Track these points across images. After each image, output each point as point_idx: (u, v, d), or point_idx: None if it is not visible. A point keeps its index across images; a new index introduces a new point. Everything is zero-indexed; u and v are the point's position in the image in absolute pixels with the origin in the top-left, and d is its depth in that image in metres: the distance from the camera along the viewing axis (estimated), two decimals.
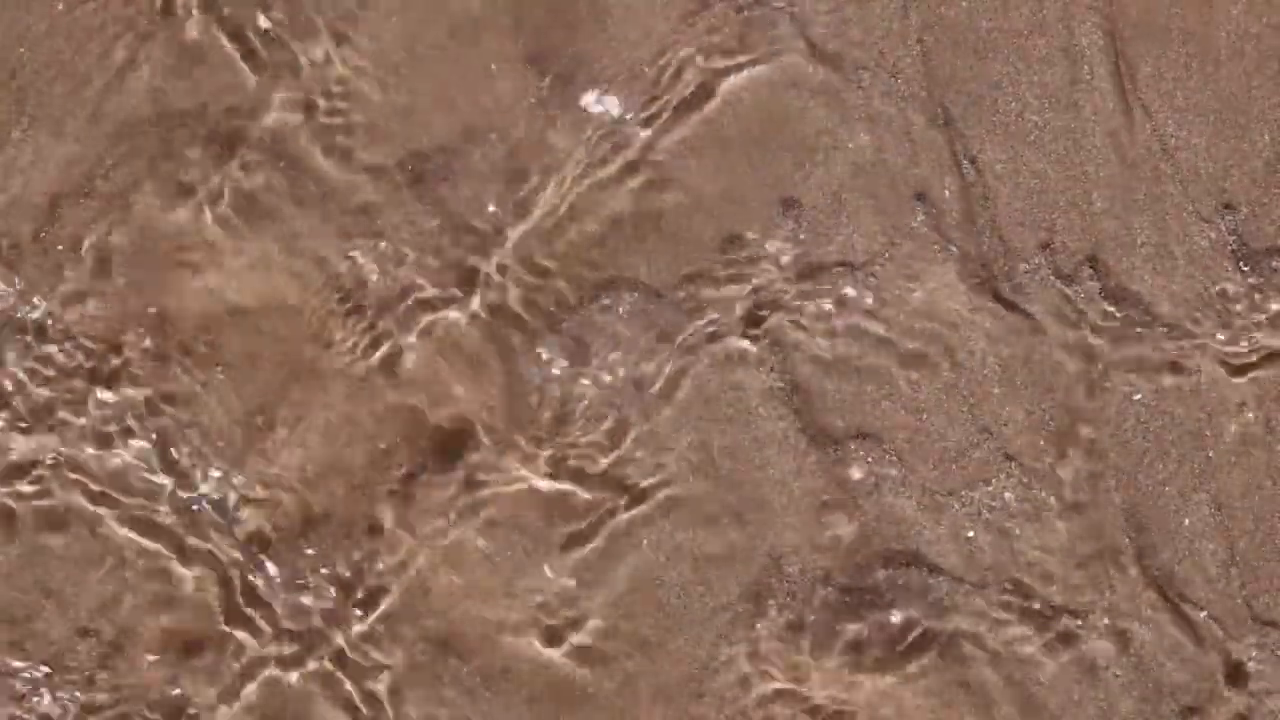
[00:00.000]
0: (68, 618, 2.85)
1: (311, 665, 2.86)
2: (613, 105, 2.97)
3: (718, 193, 2.97)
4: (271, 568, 2.88)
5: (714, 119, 2.98)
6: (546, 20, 2.98)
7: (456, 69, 2.98)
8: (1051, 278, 2.96)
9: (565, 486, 2.91)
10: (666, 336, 2.94)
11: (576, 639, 2.88)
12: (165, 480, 2.88)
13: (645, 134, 2.97)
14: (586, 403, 2.92)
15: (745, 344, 2.94)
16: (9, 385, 2.88)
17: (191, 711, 2.84)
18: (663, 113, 2.98)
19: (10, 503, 2.86)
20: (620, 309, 2.94)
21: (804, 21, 2.99)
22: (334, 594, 2.88)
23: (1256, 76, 3.01)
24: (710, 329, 2.95)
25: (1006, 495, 2.92)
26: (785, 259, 2.96)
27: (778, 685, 2.88)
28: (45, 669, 2.84)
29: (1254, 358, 2.95)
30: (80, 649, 2.85)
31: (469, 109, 2.98)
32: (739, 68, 2.99)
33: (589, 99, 2.97)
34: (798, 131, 2.98)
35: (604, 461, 2.91)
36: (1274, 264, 2.97)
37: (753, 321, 2.95)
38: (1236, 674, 2.89)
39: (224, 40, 2.97)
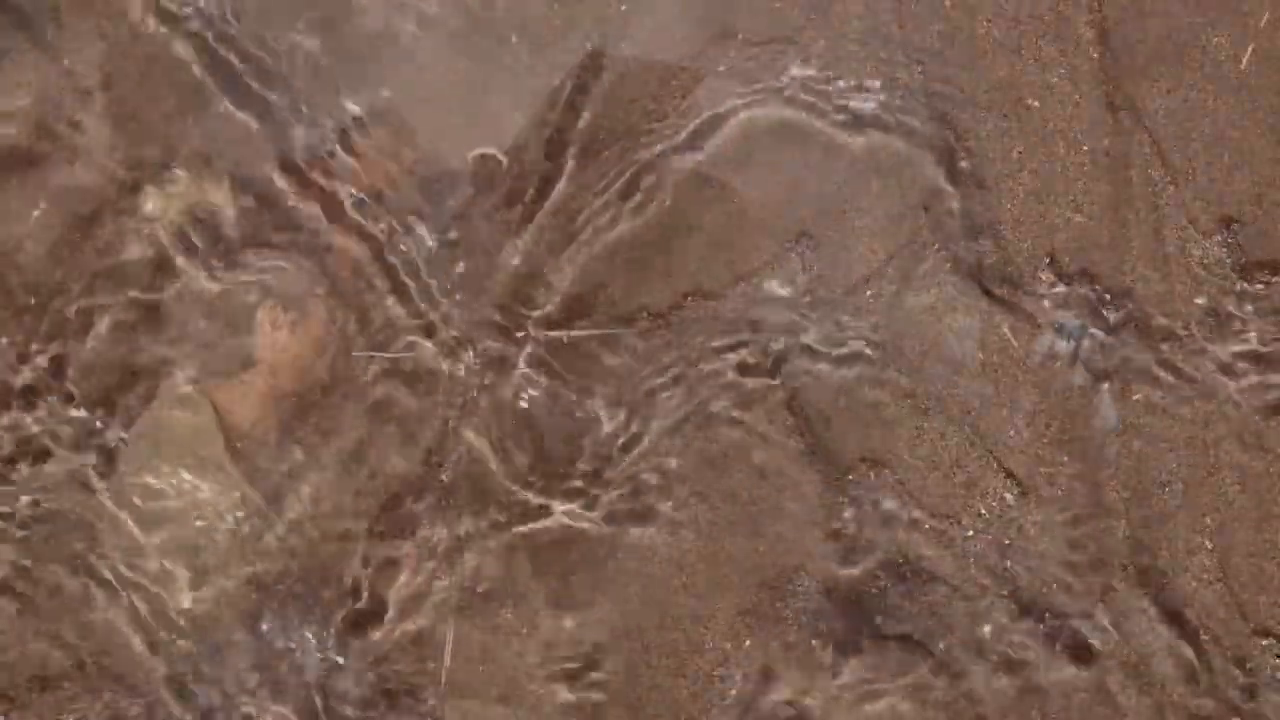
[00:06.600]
0: (50, 664, 2.89)
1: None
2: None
3: (727, 224, 2.98)
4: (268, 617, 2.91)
5: (721, 152, 2.99)
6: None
7: (472, 113, 3.01)
8: (1053, 285, 2.98)
9: (578, 515, 2.93)
10: (675, 363, 2.96)
11: (581, 653, 2.91)
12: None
13: (652, 172, 2.99)
14: (596, 431, 2.94)
15: (752, 363, 2.96)
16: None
17: None
18: (672, 149, 2.99)
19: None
20: (631, 339, 2.96)
21: (806, 47, 3.01)
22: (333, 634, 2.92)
23: (1255, 81, 3.02)
24: (718, 353, 2.97)
25: (1007, 497, 2.94)
26: (793, 283, 2.97)
27: (780, 695, 2.90)
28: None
29: (1252, 364, 2.96)
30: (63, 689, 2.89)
31: (485, 143, 3.00)
32: (747, 103, 3.00)
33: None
34: (802, 157, 2.99)
35: (613, 486, 2.94)
36: (1271, 271, 2.98)
37: (759, 344, 2.97)
38: (1237, 681, 2.91)
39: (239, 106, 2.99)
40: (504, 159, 2.97)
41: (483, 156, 2.97)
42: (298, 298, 2.94)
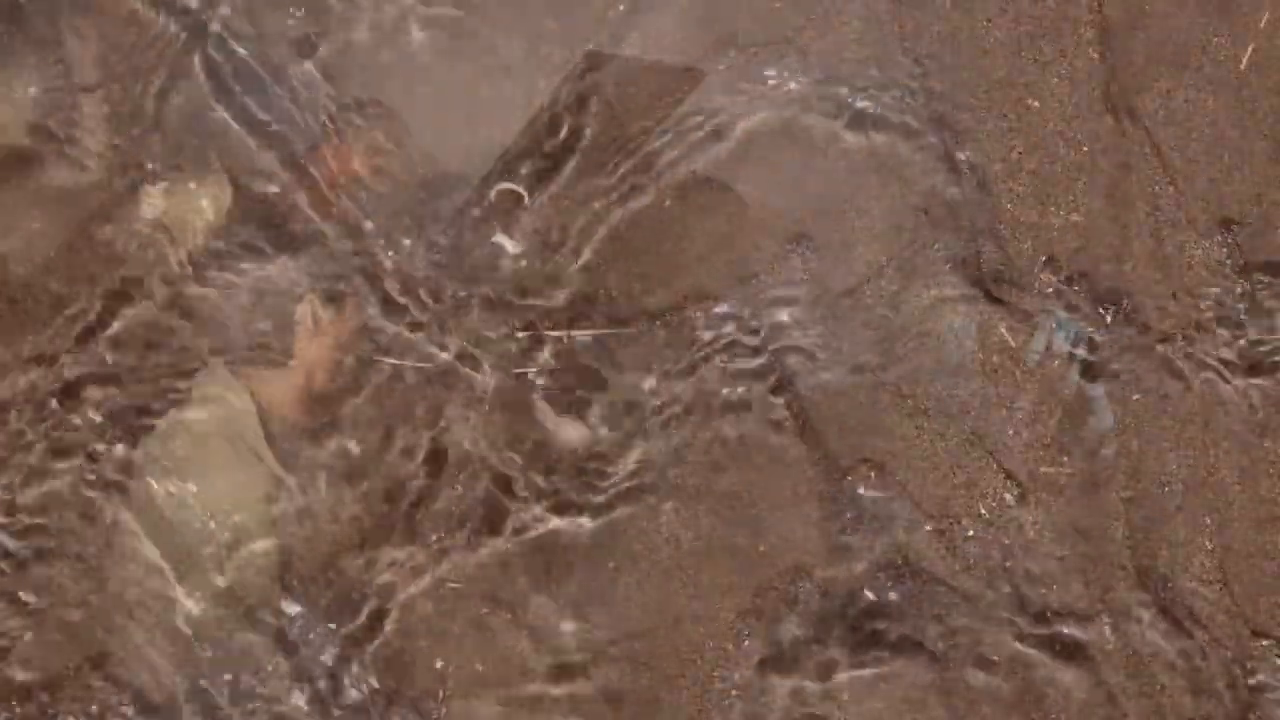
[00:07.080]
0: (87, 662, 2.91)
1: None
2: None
3: (727, 224, 2.99)
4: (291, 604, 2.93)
5: (721, 152, 2.99)
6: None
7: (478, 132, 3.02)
8: (1052, 286, 2.98)
9: (579, 516, 2.94)
10: (675, 363, 2.97)
11: (582, 653, 2.92)
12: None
13: (652, 173, 3.00)
14: (599, 433, 2.95)
15: (751, 363, 2.97)
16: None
17: None
18: (672, 150, 3.00)
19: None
20: (630, 340, 2.97)
21: (805, 47, 3.01)
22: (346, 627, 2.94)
23: (1255, 81, 3.02)
24: (719, 357, 2.97)
25: (1006, 497, 2.94)
26: (793, 283, 2.98)
27: (780, 696, 2.90)
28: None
29: (1251, 364, 2.97)
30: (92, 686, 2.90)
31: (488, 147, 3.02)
32: (747, 104, 3.00)
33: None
34: (802, 157, 3.00)
35: (614, 488, 2.95)
36: (1271, 271, 2.99)
37: (759, 344, 2.98)
38: (1237, 681, 2.91)
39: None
40: (525, 194, 2.98)
41: (504, 191, 2.98)
42: (335, 295, 2.95)
